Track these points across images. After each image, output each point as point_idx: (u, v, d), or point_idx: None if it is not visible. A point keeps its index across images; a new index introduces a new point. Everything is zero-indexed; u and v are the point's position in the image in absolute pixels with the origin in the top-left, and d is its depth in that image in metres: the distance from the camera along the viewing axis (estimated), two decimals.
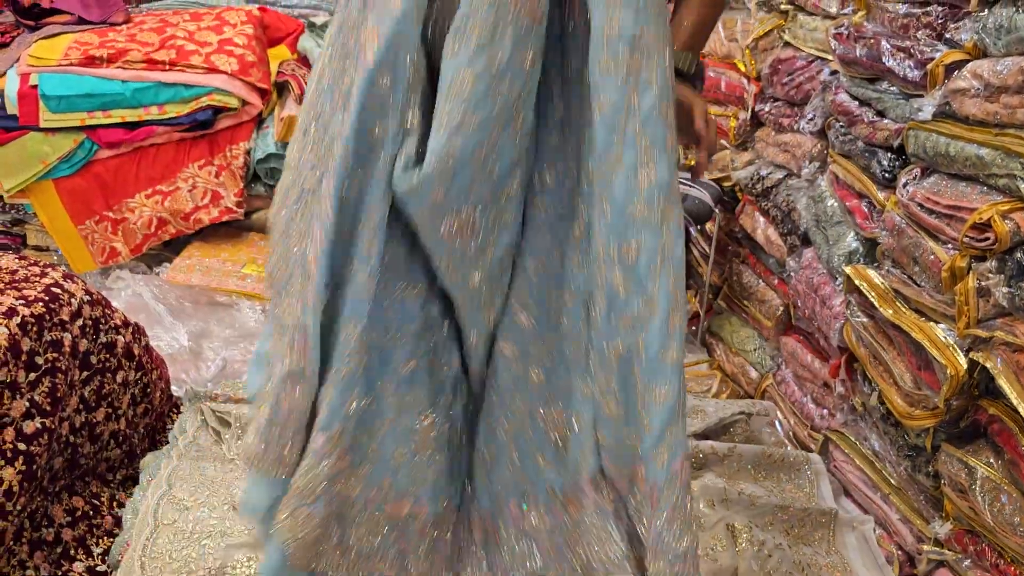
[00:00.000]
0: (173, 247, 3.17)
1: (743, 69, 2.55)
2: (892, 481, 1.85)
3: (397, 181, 1.12)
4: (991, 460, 1.49)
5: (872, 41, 1.81)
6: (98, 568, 1.72)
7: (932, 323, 1.61)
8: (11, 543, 1.60)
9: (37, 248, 3.23)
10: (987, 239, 1.44)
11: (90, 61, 2.94)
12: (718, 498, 1.88)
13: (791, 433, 2.28)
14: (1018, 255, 1.41)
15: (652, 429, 1.16)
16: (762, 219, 2.48)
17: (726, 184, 2.74)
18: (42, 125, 2.91)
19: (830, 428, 2.08)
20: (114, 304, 1.96)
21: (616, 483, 1.22)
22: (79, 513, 1.77)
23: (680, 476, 1.17)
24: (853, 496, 2.00)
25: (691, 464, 1.99)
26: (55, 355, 1.66)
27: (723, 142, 2.76)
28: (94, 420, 1.81)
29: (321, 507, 1.20)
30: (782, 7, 2.39)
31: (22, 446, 1.57)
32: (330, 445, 1.18)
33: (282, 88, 3.17)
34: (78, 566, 1.70)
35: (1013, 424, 1.44)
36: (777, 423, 2.29)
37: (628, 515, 1.22)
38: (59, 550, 1.70)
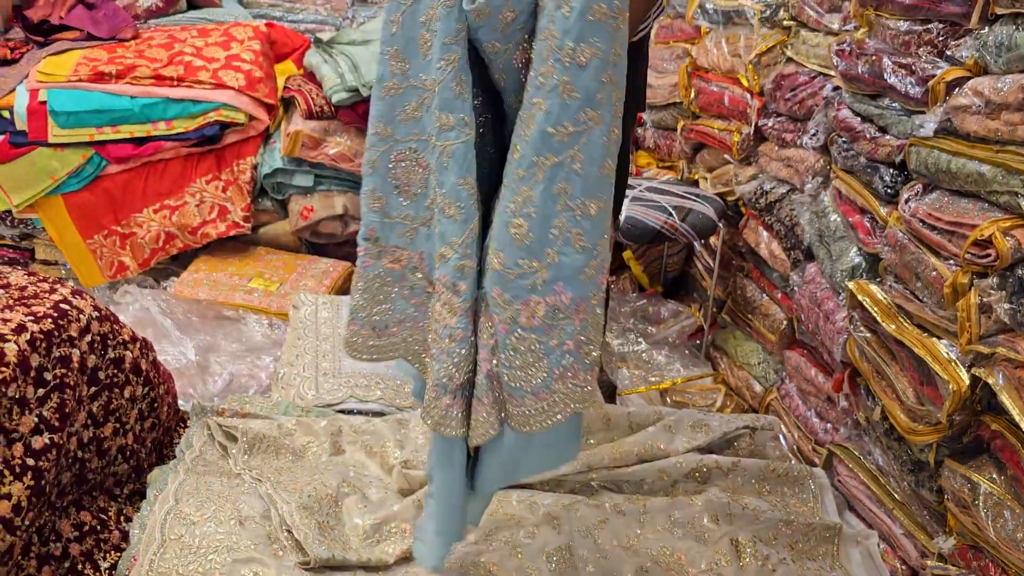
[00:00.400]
0: (180, 261, 3.19)
1: (746, 84, 2.57)
2: (896, 496, 1.85)
3: (466, 4, 1.13)
4: (994, 476, 1.50)
5: (874, 58, 1.82)
6: None
7: (934, 339, 1.62)
8: (19, 558, 1.61)
9: (45, 262, 3.26)
10: (988, 256, 1.44)
11: (99, 77, 2.97)
12: (722, 512, 1.89)
13: (795, 447, 2.29)
14: (1019, 272, 1.41)
15: (586, 246, 1.18)
16: (766, 233, 2.49)
17: (730, 198, 2.76)
18: (51, 141, 2.94)
19: (834, 442, 2.08)
20: (122, 318, 1.97)
21: (494, 317, 1.22)
22: (87, 528, 1.79)
23: (602, 291, 1.21)
24: (857, 511, 2.00)
25: (696, 478, 2.00)
26: (64, 371, 1.67)
27: (726, 157, 2.77)
28: (102, 435, 1.82)
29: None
30: (785, 23, 2.40)
31: (31, 461, 1.58)
32: (467, 318, 1.23)
33: (288, 103, 3.19)
34: None
35: (1015, 440, 1.44)
36: (781, 437, 2.29)
37: (496, 355, 1.23)
38: (67, 564, 1.71)
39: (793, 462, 2.15)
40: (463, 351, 1.24)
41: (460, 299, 1.22)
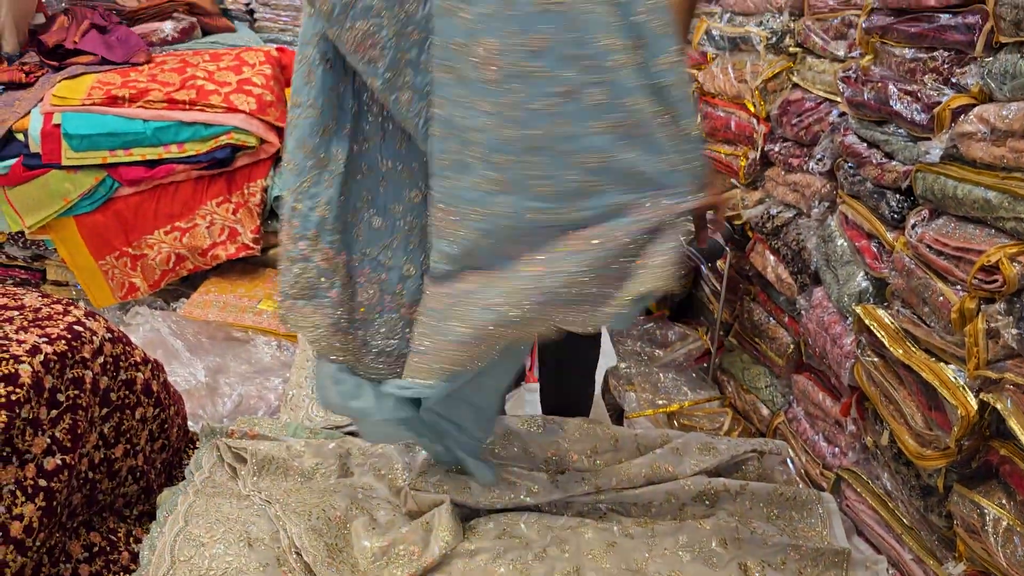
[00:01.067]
0: (190, 283, 3.21)
1: (753, 110, 2.59)
2: (905, 521, 1.85)
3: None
4: (1003, 501, 1.50)
5: (879, 84, 1.84)
6: None
7: (942, 363, 1.62)
8: None
9: (56, 283, 3.28)
10: (995, 281, 1.45)
11: (112, 101, 3.00)
12: (731, 537, 1.88)
13: (803, 471, 2.28)
14: None
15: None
16: (772, 257, 2.50)
17: (737, 223, 2.77)
18: (64, 163, 2.97)
19: (842, 467, 2.08)
20: (132, 339, 1.99)
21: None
22: (96, 549, 1.79)
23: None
24: (866, 535, 2.00)
25: (704, 501, 2.00)
26: (76, 392, 1.69)
27: (733, 181, 2.79)
28: (113, 456, 1.83)
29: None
30: (791, 50, 2.43)
31: (43, 482, 1.59)
32: (301, 245, 1.55)
33: None
34: None
35: None
36: (789, 461, 2.29)
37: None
38: None
39: (801, 486, 2.15)
40: (295, 270, 1.56)
41: (295, 231, 1.54)
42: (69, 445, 1.65)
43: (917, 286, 1.70)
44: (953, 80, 1.65)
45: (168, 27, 3.69)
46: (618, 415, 2.72)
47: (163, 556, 1.70)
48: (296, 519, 1.80)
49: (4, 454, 1.54)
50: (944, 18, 1.66)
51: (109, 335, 1.83)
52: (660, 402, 2.68)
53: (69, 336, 1.72)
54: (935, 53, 1.71)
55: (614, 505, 1.98)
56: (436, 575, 1.75)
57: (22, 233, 3.11)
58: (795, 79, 2.39)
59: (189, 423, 2.28)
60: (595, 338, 2.20)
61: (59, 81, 3.10)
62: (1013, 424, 1.41)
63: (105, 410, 1.80)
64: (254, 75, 3.20)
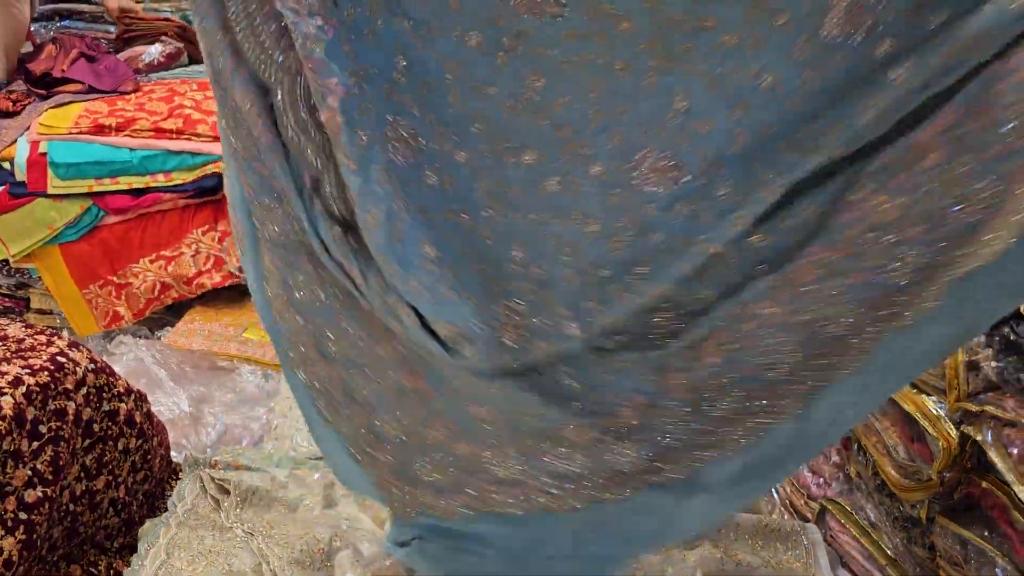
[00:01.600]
0: (175, 311, 3.20)
1: None
2: (889, 552, 1.85)
3: None
4: (985, 533, 1.50)
5: None
6: None
7: (924, 395, 1.63)
8: None
9: (40, 312, 3.27)
10: None
11: (99, 129, 3.00)
12: (716, 569, 1.88)
13: (787, 501, 2.29)
14: (1005, 330, 1.44)
15: None
16: None
17: None
18: (50, 192, 2.96)
19: (826, 497, 2.08)
20: (116, 368, 1.98)
21: None
22: None
23: None
24: (850, 567, 2.00)
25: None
26: (58, 424, 1.68)
27: None
28: (94, 488, 1.82)
29: None
30: None
31: (23, 515, 1.58)
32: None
33: None
34: None
35: (1005, 498, 1.45)
36: (774, 491, 2.29)
37: None
38: None
39: (786, 517, 2.15)
40: None
41: None
42: (50, 477, 1.64)
43: None
44: None
45: (154, 51, 3.70)
46: None
47: None
48: (279, 551, 1.78)
49: None
50: None
51: (92, 366, 1.82)
52: None
53: (52, 367, 1.71)
54: None
55: None
56: None
57: (6, 262, 3.10)
58: None
59: (172, 453, 2.27)
60: None
61: (46, 110, 3.10)
62: (993, 457, 1.42)
63: (87, 441, 1.79)
64: None
